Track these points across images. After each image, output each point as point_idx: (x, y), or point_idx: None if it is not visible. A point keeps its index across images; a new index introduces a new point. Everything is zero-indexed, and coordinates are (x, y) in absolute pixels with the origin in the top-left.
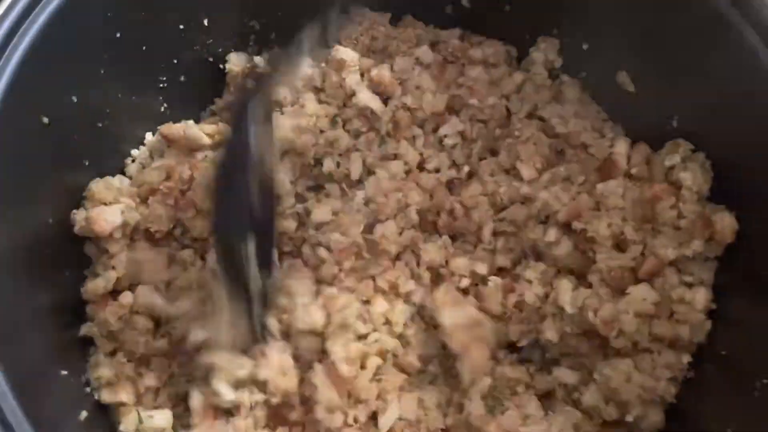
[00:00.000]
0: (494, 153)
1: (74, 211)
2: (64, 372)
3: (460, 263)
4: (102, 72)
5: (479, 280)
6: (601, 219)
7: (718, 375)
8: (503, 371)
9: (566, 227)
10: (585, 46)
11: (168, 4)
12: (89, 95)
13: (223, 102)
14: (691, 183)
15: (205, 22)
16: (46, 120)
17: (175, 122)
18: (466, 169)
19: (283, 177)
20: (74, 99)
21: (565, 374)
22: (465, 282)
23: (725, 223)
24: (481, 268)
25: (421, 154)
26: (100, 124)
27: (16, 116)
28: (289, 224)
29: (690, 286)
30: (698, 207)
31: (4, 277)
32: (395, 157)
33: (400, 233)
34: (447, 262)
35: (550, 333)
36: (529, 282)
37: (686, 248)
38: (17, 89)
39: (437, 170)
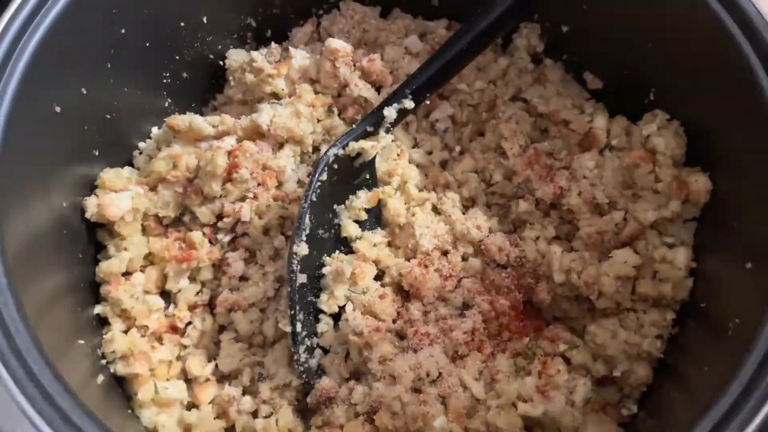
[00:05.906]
0: (483, 136)
1: (86, 198)
2: (81, 341)
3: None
4: (109, 66)
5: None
6: (572, 191)
7: (697, 326)
8: None
9: (550, 205)
10: (564, 29)
11: (169, 2)
12: (98, 88)
13: (224, 97)
14: (665, 148)
15: (204, 19)
16: (58, 109)
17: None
18: (458, 148)
19: (284, 164)
20: (84, 91)
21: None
22: (478, 234)
23: (700, 183)
24: (492, 223)
25: (414, 138)
26: (109, 116)
27: (30, 105)
28: (293, 209)
29: (671, 246)
30: (674, 170)
31: (27, 258)
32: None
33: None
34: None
35: (543, 294)
36: (533, 240)
37: (665, 210)
38: (30, 80)
39: (430, 153)
